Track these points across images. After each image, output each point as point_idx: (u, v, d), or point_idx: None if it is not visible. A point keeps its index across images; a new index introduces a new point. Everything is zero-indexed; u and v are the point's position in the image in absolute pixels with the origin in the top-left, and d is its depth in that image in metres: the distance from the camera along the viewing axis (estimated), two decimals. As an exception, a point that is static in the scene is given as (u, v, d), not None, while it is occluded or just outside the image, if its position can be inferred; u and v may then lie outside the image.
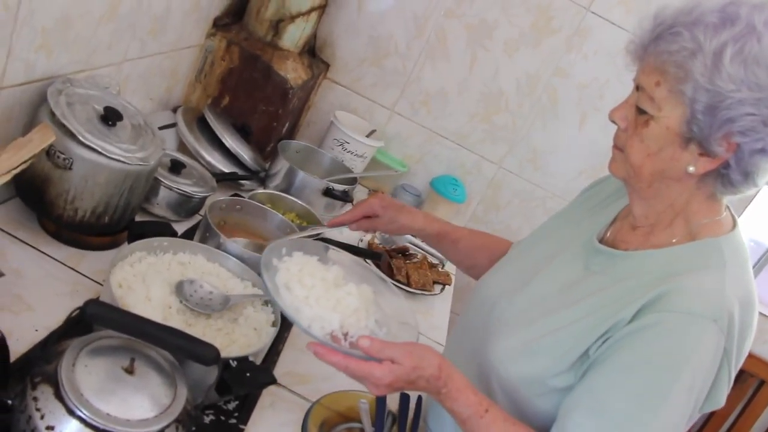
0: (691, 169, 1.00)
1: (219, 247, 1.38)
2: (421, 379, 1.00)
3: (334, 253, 1.30)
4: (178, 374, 0.96)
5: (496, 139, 2.41)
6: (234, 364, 1.10)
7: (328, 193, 1.94)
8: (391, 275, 1.88)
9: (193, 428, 0.94)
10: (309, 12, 2.08)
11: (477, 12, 2.28)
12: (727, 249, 1.04)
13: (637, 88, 1.03)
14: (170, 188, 1.57)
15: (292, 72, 2.09)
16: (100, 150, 1.25)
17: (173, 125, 1.78)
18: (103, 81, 1.50)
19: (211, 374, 1.04)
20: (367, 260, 1.85)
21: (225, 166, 1.89)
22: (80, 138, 1.24)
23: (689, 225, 1.07)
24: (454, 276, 2.08)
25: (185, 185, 1.61)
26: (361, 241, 1.98)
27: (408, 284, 1.88)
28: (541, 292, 1.19)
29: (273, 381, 1.13)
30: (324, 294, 1.10)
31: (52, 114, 1.24)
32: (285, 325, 1.37)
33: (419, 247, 2.07)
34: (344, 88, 2.44)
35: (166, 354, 0.97)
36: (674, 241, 1.08)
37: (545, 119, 2.37)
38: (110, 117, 1.32)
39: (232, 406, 1.21)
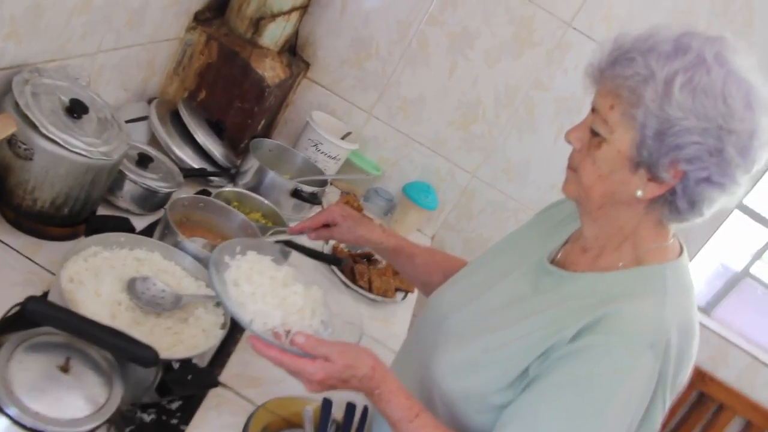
0: (640, 193, 1.04)
1: (176, 245, 1.40)
2: (353, 378, 1.03)
3: (292, 255, 1.32)
4: (116, 374, 0.99)
5: (471, 148, 2.44)
6: (176, 365, 1.12)
7: (296, 194, 1.96)
8: (354, 280, 1.90)
9: (130, 428, 0.96)
10: (290, 12, 2.10)
11: (460, 20, 2.31)
12: (671, 275, 1.07)
13: (593, 110, 1.07)
14: (134, 182, 1.59)
15: (270, 70, 2.11)
16: (61, 143, 1.27)
17: (145, 118, 1.79)
18: (73, 72, 1.52)
19: (152, 374, 1.06)
20: (332, 265, 1.88)
21: (195, 162, 1.91)
22: (42, 130, 1.25)
23: (637, 250, 1.10)
24: (419, 283, 2.11)
25: (150, 179, 1.63)
26: (327, 243, 2.00)
27: (369, 290, 1.90)
28: (488, 307, 1.22)
29: (215, 384, 1.15)
30: (270, 292, 1.12)
31: (16, 104, 1.26)
32: (237, 327, 1.39)
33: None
34: (323, 89, 2.46)
35: (106, 353, 0.99)
36: (621, 264, 1.11)
37: (521, 131, 2.40)
38: (75, 109, 1.34)
39: (175, 405, 1.23)
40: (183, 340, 1.23)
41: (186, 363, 1.14)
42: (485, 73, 2.36)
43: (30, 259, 1.34)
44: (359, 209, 2.26)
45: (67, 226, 1.42)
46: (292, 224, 1.77)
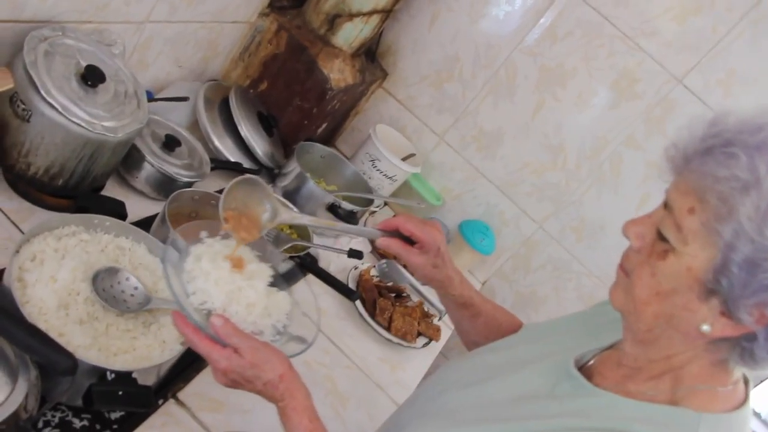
0: (706, 328, 0.82)
1: (165, 240, 1.31)
2: (257, 380, 0.98)
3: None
4: (23, 376, 0.90)
5: (543, 197, 2.26)
6: (111, 376, 1.02)
7: (332, 209, 1.85)
8: (373, 314, 1.77)
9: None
10: (370, 14, 2.00)
11: (556, 55, 2.14)
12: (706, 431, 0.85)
13: (665, 205, 0.85)
14: (152, 165, 1.52)
15: (337, 72, 2.02)
16: (60, 109, 1.21)
17: (185, 99, 1.72)
18: (110, 37, 1.46)
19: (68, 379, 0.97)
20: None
21: (234, 155, 1.84)
22: (42, 91, 1.20)
23: (677, 386, 0.89)
24: (450, 332, 1.95)
25: (170, 165, 1.56)
26: (355, 269, 1.88)
27: (388, 329, 1.76)
28: (493, 396, 1.06)
29: (146, 407, 1.05)
30: (229, 279, 1.05)
31: (24, 60, 1.21)
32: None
33: (420, 293, 1.95)
34: (397, 103, 2.34)
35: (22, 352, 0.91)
36: (649, 395, 0.91)
37: (602, 189, 2.19)
38: (90, 77, 1.28)
39: (116, 415, 1.14)
40: (136, 348, 1.13)
41: (123, 376, 1.04)
42: (574, 118, 2.17)
43: (15, 225, 1.29)
44: (407, 238, 2.12)
45: (65, 197, 1.36)
46: (317, 241, 1.67)
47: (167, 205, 1.35)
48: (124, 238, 1.27)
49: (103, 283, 1.17)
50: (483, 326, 1.34)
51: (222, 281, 1.04)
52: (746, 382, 0.92)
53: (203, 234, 1.11)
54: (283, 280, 1.17)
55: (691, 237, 0.80)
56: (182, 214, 1.47)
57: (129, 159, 1.51)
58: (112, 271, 1.19)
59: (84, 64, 1.29)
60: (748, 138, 0.79)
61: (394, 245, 1.18)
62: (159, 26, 1.65)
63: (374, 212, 2.20)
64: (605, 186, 2.19)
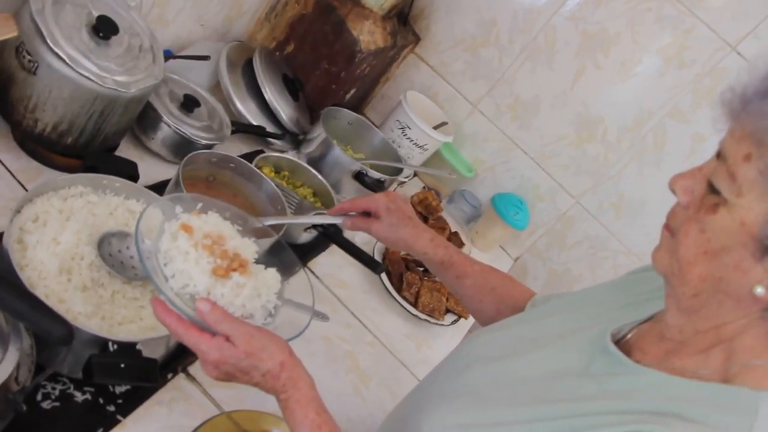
0: (760, 291, 0.73)
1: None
2: (255, 370, 0.87)
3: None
4: (15, 345, 0.82)
5: (581, 171, 2.13)
6: (113, 347, 0.95)
7: (359, 177, 1.75)
8: (399, 289, 1.68)
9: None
10: (403, -27, 1.88)
11: (599, 19, 2.00)
12: (767, 414, 0.74)
13: (719, 155, 0.76)
14: (168, 125, 1.44)
15: (368, 35, 1.91)
16: (68, 60, 1.13)
17: (206, 57, 1.63)
18: (126, -12, 1.37)
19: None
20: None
21: (257, 119, 1.74)
22: (49, 41, 1.12)
23: (730, 361, 0.80)
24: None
25: (188, 126, 1.47)
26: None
27: (414, 304, 1.67)
28: (522, 374, 0.95)
29: (152, 381, 0.97)
30: (209, 257, 0.93)
31: (32, 8, 1.12)
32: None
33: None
34: (430, 69, 2.22)
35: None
36: (699, 373, 0.81)
37: (643, 164, 2.06)
38: (102, 28, 1.19)
39: (121, 389, 1.07)
40: (143, 317, 1.06)
41: (127, 347, 0.96)
42: (616, 87, 2.04)
43: (22, 185, 1.22)
44: (436, 209, 2.02)
45: (75, 157, 1.28)
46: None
47: (182, 167, 1.27)
48: (134, 200, 1.19)
49: (111, 248, 1.10)
50: (473, 288, 1.26)
51: (203, 260, 0.92)
52: None
53: (178, 209, 0.98)
54: (280, 266, 1.05)
55: (746, 187, 0.71)
56: (199, 178, 1.39)
57: (144, 119, 1.44)
58: (120, 236, 1.12)
59: (96, 14, 1.20)
60: None
61: (357, 223, 1.23)
62: (183, -20, 1.56)
63: (403, 183, 2.10)
64: (647, 160, 2.06)
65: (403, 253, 1.80)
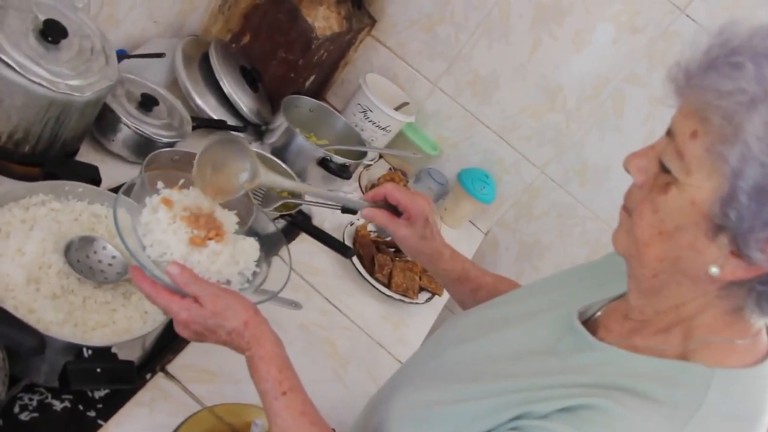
0: (715, 270, 0.72)
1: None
2: (221, 329, 0.90)
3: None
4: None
5: (544, 141, 2.15)
6: (88, 353, 0.94)
7: (323, 163, 1.75)
8: (372, 272, 1.68)
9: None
10: (353, -44, 1.87)
11: (552, -10, 2.01)
12: (718, 390, 0.74)
13: (669, 132, 0.75)
14: (128, 126, 1.42)
15: (322, 20, 1.90)
16: (17, 68, 1.11)
17: (161, 55, 1.61)
18: (72, -9, 1.34)
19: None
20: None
21: (218, 113, 1.73)
22: (-5, 50, 1.09)
23: (689, 339, 0.79)
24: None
25: (149, 125, 1.45)
26: (351, 225, 1.78)
27: (387, 285, 1.68)
28: (492, 352, 0.96)
29: (130, 383, 0.97)
30: (187, 228, 0.97)
31: (-25, 16, 1.10)
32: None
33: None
34: (388, 50, 2.22)
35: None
36: (657, 350, 0.82)
37: (604, 129, 2.09)
38: (50, 32, 1.17)
39: (100, 394, 1.06)
40: (115, 320, 1.05)
41: (101, 352, 0.96)
42: (572, 56, 2.06)
43: (-19, 198, 1.19)
44: (404, 191, 2.02)
45: (34, 165, 1.26)
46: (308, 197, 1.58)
47: (144, 167, 1.26)
48: (99, 204, 1.19)
49: (78, 254, 1.09)
50: (487, 299, 1.20)
51: (181, 231, 0.96)
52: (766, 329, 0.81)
53: (160, 185, 1.02)
54: (266, 244, 1.08)
55: (694, 165, 0.70)
56: (155, 177, 1.37)
57: (103, 121, 1.42)
58: (86, 241, 1.11)
59: (42, 18, 1.18)
60: (759, 43, 0.68)
61: (379, 216, 1.11)
62: (126, -22, 1.53)
63: (369, 165, 2.10)
64: (608, 126, 2.08)
65: (374, 235, 1.80)
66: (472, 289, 1.22)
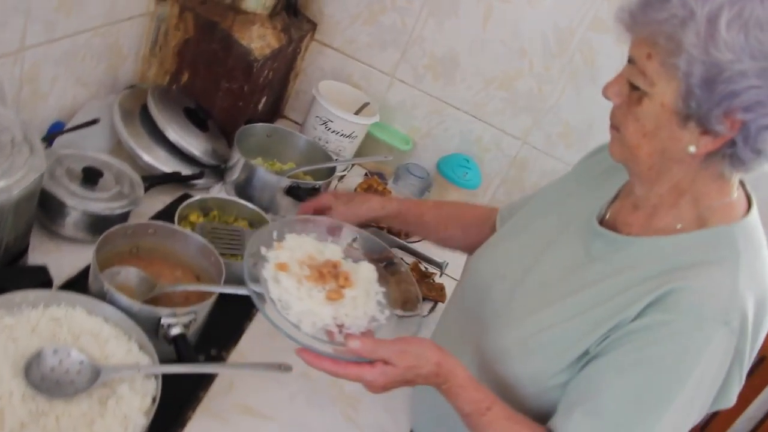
0: (692, 149, 0.97)
1: (104, 295, 1.17)
2: (418, 377, 1.02)
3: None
4: None
5: (518, 110, 2.09)
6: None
7: (291, 192, 1.69)
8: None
9: None
10: (274, -35, 1.80)
11: (491, -47, 1.94)
12: (741, 238, 1.01)
13: (630, 61, 1.00)
14: (75, 208, 1.37)
15: (258, 40, 1.83)
16: (-69, 186, 1.05)
17: (95, 122, 1.55)
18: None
19: None
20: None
21: (171, 165, 1.67)
22: None
23: (698, 208, 1.04)
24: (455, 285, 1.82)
25: (96, 202, 1.40)
26: (354, 240, 1.73)
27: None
28: (541, 279, 1.17)
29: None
30: (316, 285, 1.05)
31: None
32: (186, 399, 1.19)
33: (410, 251, 1.81)
34: (335, 51, 2.16)
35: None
36: (679, 227, 1.05)
37: (579, 85, 2.02)
38: (-40, 137, 1.11)
39: None
40: (95, 430, 1.00)
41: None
42: (528, 15, 1.99)
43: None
44: (384, 193, 1.98)
45: (-18, 277, 1.21)
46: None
47: (95, 256, 1.21)
48: (55, 306, 1.14)
49: (42, 370, 1.04)
50: (434, 221, 1.52)
51: (314, 292, 1.02)
52: (742, 184, 1.07)
53: (263, 250, 1.08)
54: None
55: (655, 77, 0.95)
56: (122, 254, 1.33)
57: (48, 208, 1.37)
58: (46, 354, 1.06)
59: (-50, 123, 1.13)
60: None
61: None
62: (41, 50, 1.47)
63: (343, 176, 2.04)
64: (582, 80, 2.02)
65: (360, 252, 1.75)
66: (416, 216, 1.50)
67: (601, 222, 1.16)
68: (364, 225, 1.77)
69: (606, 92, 1.04)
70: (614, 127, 1.06)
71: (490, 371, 1.16)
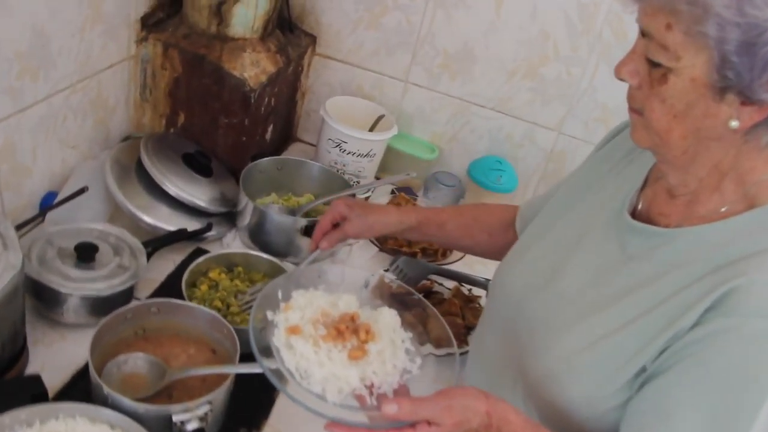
0: (734, 123, 0.86)
1: (105, 398, 1.07)
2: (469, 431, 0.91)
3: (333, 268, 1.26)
4: None
5: (548, 99, 1.92)
6: None
7: (308, 231, 1.56)
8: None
9: None
10: (257, -17, 1.67)
11: (495, -69, 1.77)
12: None
13: (643, 34, 0.88)
14: (71, 294, 1.27)
15: (251, 68, 1.71)
16: None
17: (82, 191, 1.45)
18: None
19: None
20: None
21: (174, 222, 1.56)
22: None
23: (744, 186, 0.92)
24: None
25: (93, 283, 1.30)
26: (366, 287, 1.60)
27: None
28: (573, 285, 1.06)
29: None
30: (336, 341, 0.95)
31: None
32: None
33: (449, 275, 1.67)
34: (341, 63, 2.02)
35: None
36: (724, 210, 0.93)
37: (612, 62, 1.81)
38: (-76, 249, 1.01)
39: None
40: None
41: None
42: (545, -6, 1.81)
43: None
44: (413, 209, 1.83)
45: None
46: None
47: (90, 355, 1.10)
48: (53, 421, 1.04)
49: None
50: (456, 230, 1.42)
51: (334, 353, 0.93)
52: None
53: (269, 314, 0.98)
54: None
55: (680, 50, 0.83)
56: (127, 340, 1.24)
57: (43, 298, 1.29)
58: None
59: None
60: None
61: (330, 237, 1.36)
62: (12, 121, 1.37)
63: (368, 198, 1.90)
64: (614, 57, 1.80)
65: (395, 287, 1.62)
66: (437, 225, 1.41)
67: (633, 215, 1.04)
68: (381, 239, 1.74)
69: (619, 73, 0.93)
70: (635, 110, 0.94)
71: (537, 397, 1.07)
